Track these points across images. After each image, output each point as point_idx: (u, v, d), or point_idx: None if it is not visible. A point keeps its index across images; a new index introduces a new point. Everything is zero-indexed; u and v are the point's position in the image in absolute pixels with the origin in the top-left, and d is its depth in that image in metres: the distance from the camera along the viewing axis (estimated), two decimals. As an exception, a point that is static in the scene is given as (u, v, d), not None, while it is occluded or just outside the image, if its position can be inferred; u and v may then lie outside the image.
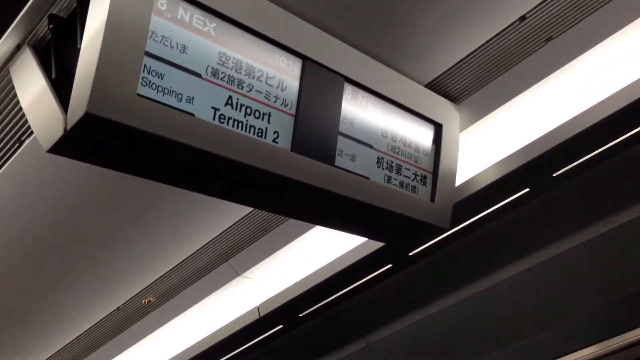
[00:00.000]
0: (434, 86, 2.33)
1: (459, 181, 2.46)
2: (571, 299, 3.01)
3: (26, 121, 2.04)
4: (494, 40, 2.14)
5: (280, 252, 3.25)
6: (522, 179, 2.54)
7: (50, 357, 3.99)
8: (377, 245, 2.81)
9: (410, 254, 2.95)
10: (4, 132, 2.17)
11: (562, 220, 2.82)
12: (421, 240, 2.83)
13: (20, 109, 1.96)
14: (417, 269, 3.12)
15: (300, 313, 3.41)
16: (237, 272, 3.40)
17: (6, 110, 2.09)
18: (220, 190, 2.03)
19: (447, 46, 2.16)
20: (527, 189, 2.60)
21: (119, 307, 3.60)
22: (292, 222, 3.03)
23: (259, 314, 3.39)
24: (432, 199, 2.32)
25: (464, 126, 2.46)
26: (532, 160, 2.40)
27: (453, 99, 2.40)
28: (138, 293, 3.50)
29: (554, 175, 2.54)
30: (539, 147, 2.38)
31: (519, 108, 2.40)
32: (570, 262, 2.89)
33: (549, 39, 2.14)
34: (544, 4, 2.03)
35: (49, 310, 3.51)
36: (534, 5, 2.04)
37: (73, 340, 3.85)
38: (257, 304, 3.40)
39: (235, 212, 2.99)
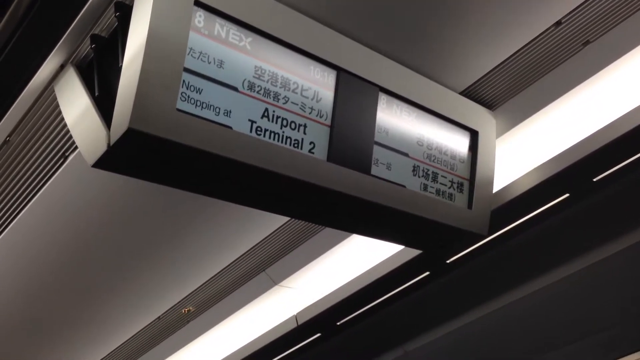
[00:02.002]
0: (469, 93, 2.32)
1: (496, 188, 2.44)
2: (613, 306, 2.95)
3: (70, 137, 2.10)
4: (529, 46, 2.13)
5: (318, 261, 3.26)
6: (562, 184, 2.51)
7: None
8: (414, 252, 2.80)
9: (447, 261, 2.93)
10: (50, 148, 2.23)
11: (602, 226, 2.77)
12: (459, 248, 2.81)
13: (65, 125, 2.02)
14: (454, 276, 3.09)
15: (338, 321, 3.41)
16: (275, 281, 3.42)
17: (51, 127, 2.16)
18: (257, 200, 2.06)
19: (482, 53, 2.15)
20: (567, 195, 2.56)
21: (159, 317, 3.65)
22: (328, 231, 3.04)
23: (297, 323, 3.40)
24: (470, 206, 2.31)
25: (501, 132, 2.44)
26: (571, 166, 2.37)
27: (489, 105, 2.38)
28: (178, 303, 3.55)
29: (594, 180, 2.50)
30: (578, 152, 2.35)
31: (557, 113, 2.37)
32: (611, 269, 2.83)
33: (587, 42, 2.12)
34: (579, 9, 2.01)
35: (91, 321, 3.58)
36: (569, 11, 2.02)
37: (114, 349, 3.92)
38: (294, 313, 3.41)
39: (272, 222, 3.02)
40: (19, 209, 2.57)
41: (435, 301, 3.29)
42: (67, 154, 2.22)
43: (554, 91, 2.32)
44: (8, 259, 2.88)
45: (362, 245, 3.09)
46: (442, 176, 2.25)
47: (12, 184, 2.47)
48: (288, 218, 2.97)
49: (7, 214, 2.61)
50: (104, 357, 3.98)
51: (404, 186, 2.13)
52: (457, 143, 2.30)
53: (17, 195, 2.51)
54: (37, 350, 3.79)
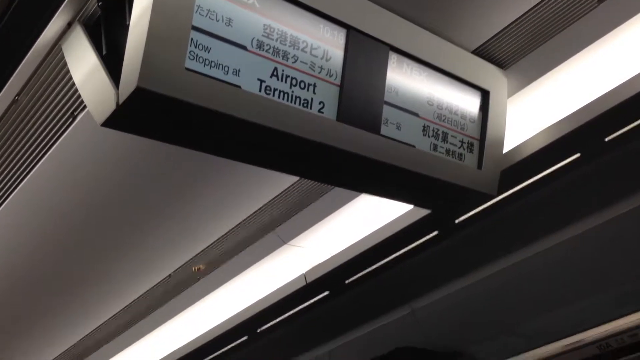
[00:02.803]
0: (481, 52, 2.29)
1: (506, 148, 2.43)
2: (624, 263, 2.96)
3: (79, 96, 2.09)
4: (542, 3, 2.08)
5: (326, 220, 3.28)
6: (573, 144, 2.48)
7: (102, 323, 4.15)
8: (423, 212, 2.81)
9: (456, 221, 2.93)
10: (58, 107, 2.23)
11: (614, 185, 2.76)
12: (468, 208, 2.81)
13: (73, 84, 2.01)
14: (463, 236, 3.09)
15: (346, 280, 3.44)
16: (284, 241, 3.45)
17: (59, 86, 2.15)
18: (266, 160, 2.06)
19: (494, 11, 2.11)
20: (578, 155, 2.54)
21: (170, 275, 3.70)
22: (337, 191, 3.04)
23: (306, 281, 3.44)
24: (479, 166, 2.31)
25: (512, 92, 2.41)
26: (582, 125, 2.34)
27: (501, 64, 2.35)
28: (188, 261, 3.60)
29: (606, 140, 2.48)
30: (590, 112, 2.32)
31: (569, 72, 2.34)
32: (622, 228, 2.83)
33: (601, 0, 2.07)
34: (595, -36, 1.96)
35: (102, 278, 3.64)
36: (585, -34, 1.97)
37: (125, 307, 3.99)
38: (303, 271, 3.45)
39: (282, 182, 3.02)
40: (28, 168, 2.58)
41: (443, 260, 3.31)
42: (75, 113, 2.22)
43: (567, 50, 2.28)
44: (18, 219, 2.91)
45: (370, 205, 3.10)
46: (452, 136, 2.24)
47: (21, 144, 2.48)
48: (297, 178, 2.97)
49: (17, 174, 2.63)
50: (115, 314, 4.06)
51: (413, 146, 2.12)
52: (467, 103, 2.28)
53: (26, 155, 2.52)
54: (49, 307, 3.86)
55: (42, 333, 4.19)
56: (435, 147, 2.19)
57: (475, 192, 2.33)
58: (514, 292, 3.23)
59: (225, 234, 3.40)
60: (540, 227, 3.01)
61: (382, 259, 3.25)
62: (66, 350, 4.47)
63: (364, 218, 3.16)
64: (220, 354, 4.19)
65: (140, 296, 3.90)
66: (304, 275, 3.43)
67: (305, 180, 3.00)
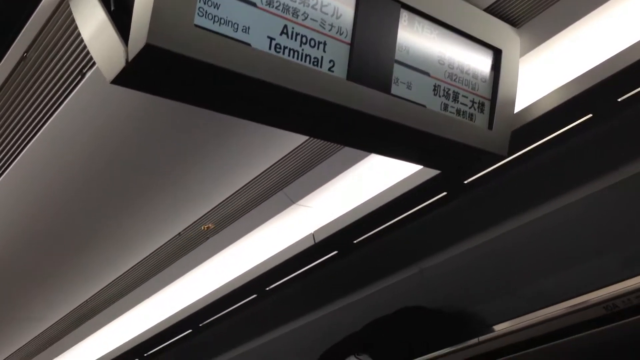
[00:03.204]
0: (493, 10, 2.25)
1: (518, 108, 2.40)
2: (631, 225, 2.95)
3: (88, 53, 2.08)
4: (557, -41, 2.04)
5: (335, 180, 3.28)
6: (585, 104, 2.46)
7: (113, 281, 4.20)
8: (432, 173, 2.80)
9: (465, 182, 2.93)
10: (67, 64, 2.22)
11: (626, 146, 2.74)
12: (477, 168, 2.80)
13: (82, 41, 2.00)
14: (472, 197, 3.10)
15: (355, 239, 3.46)
16: (293, 200, 3.46)
17: (68, 43, 2.14)
18: (276, 119, 2.05)
19: (508, -34, 2.07)
20: (590, 115, 2.52)
21: (179, 233, 3.73)
22: (347, 151, 3.03)
23: (314, 241, 3.46)
24: (490, 126, 2.29)
25: (525, 51, 2.37)
26: (595, 85, 2.30)
27: (513, 22, 2.31)
28: (197, 220, 3.62)
29: (619, 100, 2.45)
30: (603, 72, 2.28)
31: (583, 31, 2.30)
32: (632, 189, 2.81)
33: (619, -45, 2.02)
34: None
35: (112, 235, 3.68)
36: None
37: (135, 265, 4.04)
38: (312, 231, 3.47)
39: (291, 141, 3.02)
40: (37, 127, 2.58)
41: (451, 221, 3.32)
42: (84, 70, 2.21)
43: (581, 8, 2.23)
44: (27, 178, 2.92)
45: (379, 165, 3.10)
46: (463, 96, 2.22)
47: (30, 102, 2.47)
48: (306, 137, 2.96)
49: (26, 133, 2.63)
50: (125, 272, 4.11)
51: (424, 106, 2.10)
52: (479, 62, 2.25)
53: (35, 114, 2.52)
54: (58, 265, 3.91)
55: (52, 291, 4.26)
56: (445, 107, 2.17)
57: (486, 153, 2.32)
58: (522, 253, 3.24)
59: (234, 193, 3.41)
60: (549, 188, 3.00)
61: (391, 219, 3.26)
62: (77, 308, 4.55)
63: (373, 178, 3.16)
64: (230, 311, 4.25)
65: (150, 254, 3.94)
66: (313, 235, 3.45)
67: (315, 139, 3.00)
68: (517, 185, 3.02)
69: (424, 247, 3.57)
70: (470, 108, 2.24)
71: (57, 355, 5.22)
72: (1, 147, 2.68)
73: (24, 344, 5.03)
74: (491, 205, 3.18)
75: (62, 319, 4.66)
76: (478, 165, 2.74)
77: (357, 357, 3.59)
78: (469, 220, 3.32)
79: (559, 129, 2.58)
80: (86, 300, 4.41)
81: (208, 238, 3.80)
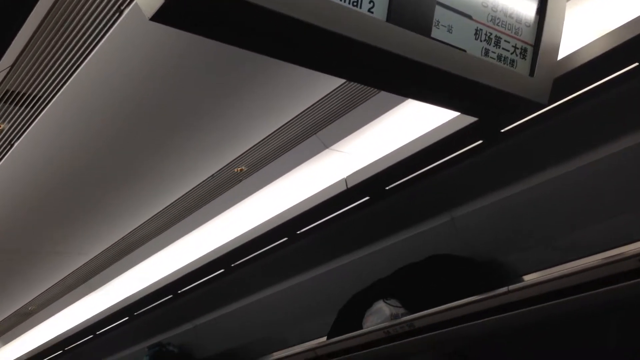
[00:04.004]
0: (541, -50, 2.16)
1: (561, 54, 2.33)
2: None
3: (125, -11, 2.07)
4: None
5: (370, 126, 3.26)
6: (631, 52, 2.36)
7: (148, 220, 4.29)
8: (469, 120, 2.76)
9: (502, 130, 2.88)
10: (105, 1, 2.21)
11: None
12: (516, 117, 2.74)
13: (119, -23, 1.98)
14: (508, 145, 3.04)
15: (387, 186, 3.45)
16: (326, 145, 3.45)
17: (105, -21, 2.12)
18: (312, 60, 2.02)
19: None
20: (636, 64, 2.42)
21: (213, 175, 3.78)
22: (383, 96, 3.00)
23: (346, 186, 3.46)
24: (532, 73, 2.23)
25: (572, -5, 2.29)
26: (644, 32, 2.22)
27: (562, -36, 2.22)
28: (231, 162, 3.66)
29: (668, 48, 2.35)
30: (654, 18, 2.19)
31: (635, -26, 2.20)
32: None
33: None
34: None
35: (148, 176, 3.74)
36: None
37: (168, 205, 4.11)
38: (344, 176, 3.47)
39: (327, 84, 2.99)
40: (74, 67, 2.60)
41: (486, 170, 3.27)
42: (122, 7, 2.20)
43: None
44: (66, 116, 2.96)
45: (415, 111, 3.06)
46: (505, 41, 2.15)
47: (67, 42, 2.48)
48: (342, 81, 2.93)
49: (63, 73, 2.64)
50: (158, 213, 4.19)
51: (464, 50, 2.04)
52: (524, 5, 2.17)
53: (72, 53, 2.53)
54: (95, 203, 4.00)
55: (91, 227, 4.37)
56: (486, 52, 2.11)
57: (525, 101, 2.26)
58: (557, 204, 3.20)
59: (267, 136, 3.42)
60: (589, 139, 2.93)
61: (424, 167, 3.24)
62: (113, 244, 4.67)
63: (408, 124, 3.13)
64: (260, 253, 4.32)
65: (184, 195, 4.01)
66: (345, 180, 3.46)
67: (350, 83, 2.97)
68: (556, 135, 2.96)
69: (457, 196, 3.55)
70: (512, 54, 2.18)
71: (95, 289, 5.41)
72: (40, 85, 2.70)
73: (63, 277, 5.22)
74: (527, 155, 3.13)
75: (99, 254, 4.80)
76: (516, 113, 2.69)
77: (385, 302, 3.64)
78: (504, 169, 3.27)
79: (603, 78, 2.50)
80: (123, 237, 4.53)
81: (241, 180, 3.84)
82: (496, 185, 3.38)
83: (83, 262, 4.93)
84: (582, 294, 2.70)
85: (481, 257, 3.54)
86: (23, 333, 6.68)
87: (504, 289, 2.90)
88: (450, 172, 3.28)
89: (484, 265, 3.50)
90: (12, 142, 3.08)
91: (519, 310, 2.87)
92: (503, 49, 2.15)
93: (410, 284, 3.68)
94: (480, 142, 2.98)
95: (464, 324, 3.07)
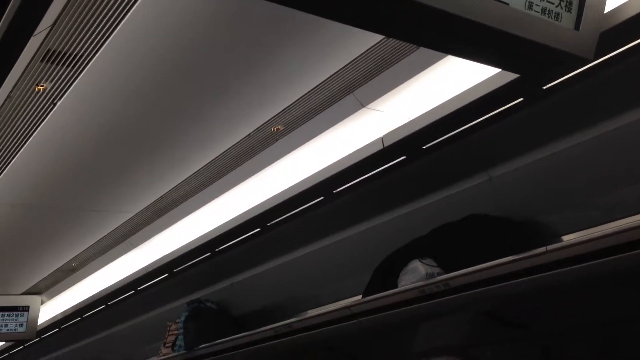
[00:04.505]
0: None
1: (608, 7, 2.24)
2: None
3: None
4: None
5: (407, 84, 3.22)
6: (684, 4, 2.27)
7: (186, 179, 4.36)
8: (510, 77, 2.70)
9: (544, 87, 2.80)
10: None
11: None
12: (559, 73, 2.66)
13: None
14: (550, 103, 2.97)
15: (424, 145, 3.41)
16: (362, 104, 3.43)
17: None
18: (349, 15, 1.99)
19: None
20: (687, 17, 2.33)
21: (249, 134, 3.80)
22: (421, 53, 2.96)
23: (383, 145, 3.44)
24: (577, 27, 2.15)
25: (621, -58, 2.19)
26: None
27: None
28: (267, 121, 3.67)
29: None
30: None
31: None
32: None
33: None
34: None
35: (186, 135, 3.78)
36: None
37: (207, 164, 4.16)
38: (381, 135, 3.45)
39: (363, 42, 2.96)
40: (114, 25, 2.61)
41: (526, 128, 3.21)
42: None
43: None
44: (108, 73, 2.99)
45: (454, 69, 3.00)
46: (549, -7, 2.08)
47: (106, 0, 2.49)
48: (378, 38, 2.89)
49: (103, 31, 2.66)
50: (196, 172, 4.25)
51: (507, 4, 1.98)
52: (570, -45, 2.09)
53: (112, 11, 2.54)
54: (133, 161, 4.08)
55: (129, 187, 4.46)
56: (530, 5, 2.05)
57: (570, 56, 2.19)
58: (601, 162, 3.12)
59: (304, 95, 3.41)
60: (636, 95, 2.84)
61: (462, 125, 3.19)
62: (151, 204, 4.77)
63: (446, 82, 3.08)
64: (297, 212, 4.35)
65: (221, 154, 4.05)
66: (381, 139, 3.44)
67: (387, 41, 2.92)
68: (600, 91, 2.87)
69: (495, 155, 3.50)
70: (556, 7, 2.10)
71: (136, 246, 5.54)
72: (81, 44, 2.73)
73: (104, 234, 5.36)
74: (570, 113, 3.06)
75: (139, 213, 4.91)
76: (560, 69, 2.61)
77: (421, 261, 3.64)
78: (545, 127, 3.20)
79: (652, 31, 2.41)
80: (161, 195, 4.61)
81: (277, 140, 3.85)
82: (536, 144, 3.32)
83: (124, 220, 5.05)
84: (623, 254, 2.65)
85: (519, 217, 3.50)
86: (67, 288, 6.91)
87: (543, 249, 2.86)
88: (489, 131, 3.23)
89: (522, 225, 3.46)
90: (55, 102, 3.14)
91: (557, 271, 2.83)
92: (547, 1, 2.08)
93: (447, 244, 3.67)
94: (520, 99, 2.92)
95: (501, 284, 3.06)
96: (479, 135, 3.27)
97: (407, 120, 3.35)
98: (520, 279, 2.97)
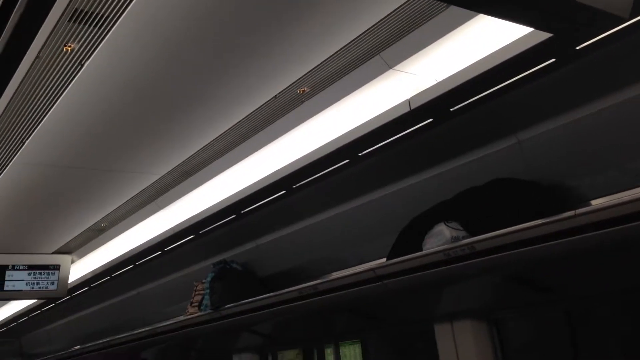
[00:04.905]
0: None
1: (647, -36, 2.17)
2: None
3: None
4: None
5: (435, 45, 3.17)
6: None
7: (212, 141, 4.37)
8: (542, 37, 2.63)
9: (577, 47, 2.73)
10: None
11: None
12: (592, 32, 2.59)
13: None
14: (582, 64, 2.90)
15: (452, 107, 3.37)
16: (389, 65, 3.39)
17: None
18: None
19: None
20: None
21: (275, 96, 3.79)
22: (449, 12, 2.90)
23: (410, 107, 3.41)
24: (613, -17, 2.09)
25: None
26: None
27: None
28: (293, 83, 3.65)
29: None
30: None
31: None
32: None
33: None
34: None
35: (212, 96, 3.78)
36: None
37: (232, 126, 4.16)
38: (407, 97, 3.41)
39: (391, 2, 2.91)
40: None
41: (556, 91, 3.15)
42: None
43: None
44: (135, 33, 2.99)
45: (483, 29, 2.95)
46: (586, -52, 2.02)
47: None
48: (407, -3, 2.84)
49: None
50: (222, 134, 4.26)
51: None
52: None
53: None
54: (159, 123, 4.09)
55: (156, 149, 4.49)
56: (566, -39, 1.99)
57: (605, 15, 2.13)
58: (630, 126, 3.06)
59: (331, 56, 3.39)
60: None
61: (491, 87, 3.14)
62: (178, 165, 4.80)
63: (475, 43, 3.02)
64: (322, 175, 4.35)
65: (247, 116, 4.05)
66: (408, 101, 3.40)
67: (415, 0, 2.88)
68: (635, 53, 2.80)
69: (524, 118, 3.45)
70: (593, -37, 2.04)
71: (163, 207, 5.61)
72: (108, 4, 2.73)
73: (132, 195, 5.43)
74: (602, 75, 2.99)
75: (166, 174, 4.96)
76: (594, 29, 2.54)
77: (446, 224, 3.63)
78: (577, 90, 3.14)
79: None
80: (188, 157, 4.65)
81: (303, 102, 3.84)
82: (567, 107, 3.26)
83: (151, 182, 5.11)
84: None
85: (547, 181, 3.46)
86: (96, 248, 7.05)
87: (571, 213, 2.83)
88: (519, 93, 3.17)
89: (550, 189, 3.42)
90: (82, 62, 3.15)
91: (585, 235, 2.81)
92: (584, -42, 2.02)
93: (473, 208, 3.65)
94: (552, 60, 2.85)
95: (528, 248, 3.04)
96: (508, 97, 3.22)
97: (434, 82, 3.30)
98: (547, 243, 2.95)
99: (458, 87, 3.16)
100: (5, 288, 7.03)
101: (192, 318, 6.00)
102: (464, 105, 3.34)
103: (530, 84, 3.09)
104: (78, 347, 9.43)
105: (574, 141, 3.31)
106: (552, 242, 2.94)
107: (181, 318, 6.28)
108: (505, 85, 3.11)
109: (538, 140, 3.43)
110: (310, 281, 4.63)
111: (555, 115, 3.33)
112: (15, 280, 7.10)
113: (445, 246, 3.47)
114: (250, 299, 5.20)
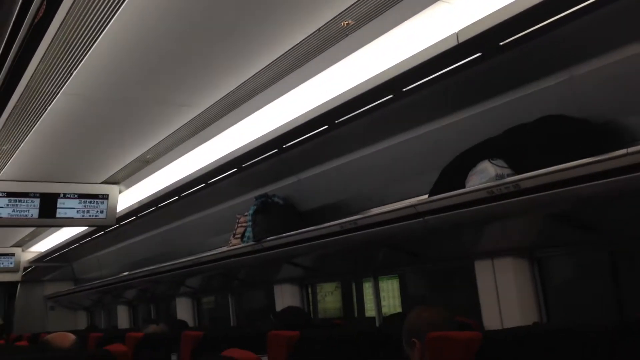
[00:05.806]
0: None
1: None
2: None
3: None
4: None
5: (487, -26, 3.03)
6: None
7: (255, 74, 4.35)
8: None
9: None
10: None
11: None
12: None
13: None
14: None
15: (501, 41, 3.25)
16: (437, -5, 3.28)
17: None
18: None
19: None
20: None
21: (319, 29, 3.72)
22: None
23: (458, 41, 3.30)
24: None
25: None
26: None
27: None
28: (337, 15, 3.57)
29: None
30: None
31: None
32: None
33: None
34: None
35: (255, 30, 3.74)
36: None
37: (275, 59, 4.12)
38: (455, 30, 3.30)
39: None
40: None
41: (611, 25, 3.00)
42: None
43: None
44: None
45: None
46: None
47: None
48: None
49: None
50: (264, 67, 4.22)
51: None
52: None
53: None
54: (205, 55, 4.08)
55: (199, 81, 4.50)
56: None
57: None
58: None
59: (377, -13, 3.28)
60: None
61: (544, 20, 3.01)
62: (221, 99, 4.81)
63: (530, -28, 2.88)
64: (365, 110, 4.30)
65: (290, 49, 4.00)
66: (456, 35, 3.29)
67: None
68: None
69: (577, 53, 3.31)
70: None
71: (206, 140, 5.67)
72: None
73: (176, 128, 5.50)
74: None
75: (209, 107, 4.98)
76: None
77: (491, 162, 3.58)
78: (633, 24, 2.98)
79: None
80: (231, 91, 4.65)
81: (347, 35, 3.77)
82: (622, 42, 3.11)
83: (194, 115, 5.15)
84: None
85: (599, 118, 3.35)
86: (142, 179, 7.22)
87: (622, 151, 2.75)
88: (574, 27, 3.03)
89: (601, 127, 3.32)
90: (128, -8, 3.14)
91: (637, 174, 2.73)
92: None
93: (520, 145, 3.57)
94: (611, -9, 2.71)
95: (575, 186, 2.98)
96: (562, 30, 3.08)
97: (484, 15, 3.17)
98: (596, 182, 2.88)
99: (509, 20, 3.04)
100: (58, 215, 7.31)
101: (234, 249, 6.14)
102: (514, 39, 3.22)
103: (587, 15, 2.94)
104: (126, 273, 9.82)
105: (630, 78, 3.17)
106: (601, 181, 2.86)
107: (224, 249, 6.44)
108: (559, 18, 2.97)
109: (591, 76, 3.30)
110: (350, 217, 4.66)
111: (610, 51, 3.19)
112: (67, 207, 7.37)
113: (490, 184, 3.43)
114: (291, 232, 5.28)
